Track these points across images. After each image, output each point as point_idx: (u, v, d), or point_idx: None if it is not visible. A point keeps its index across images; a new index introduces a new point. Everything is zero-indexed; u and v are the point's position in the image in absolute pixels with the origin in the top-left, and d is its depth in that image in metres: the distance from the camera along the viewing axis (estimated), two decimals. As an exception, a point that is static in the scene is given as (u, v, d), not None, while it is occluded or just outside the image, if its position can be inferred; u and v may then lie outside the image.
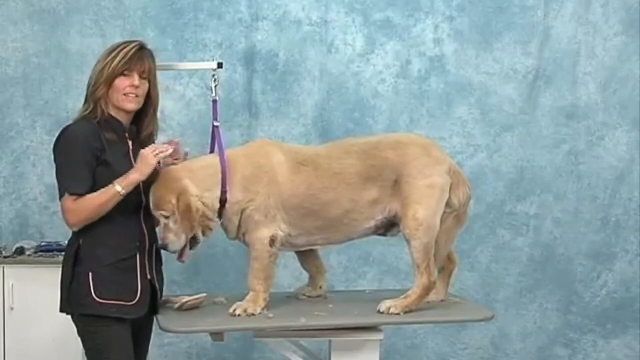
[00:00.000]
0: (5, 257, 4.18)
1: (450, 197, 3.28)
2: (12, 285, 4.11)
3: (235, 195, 3.19)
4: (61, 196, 3.04)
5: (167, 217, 3.11)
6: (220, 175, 3.18)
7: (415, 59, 4.70)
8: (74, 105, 4.54)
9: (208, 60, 4.27)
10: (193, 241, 3.21)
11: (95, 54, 4.48)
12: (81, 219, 3.02)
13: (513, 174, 4.75)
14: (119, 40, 4.44)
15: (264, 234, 3.19)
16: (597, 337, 4.81)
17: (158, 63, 3.93)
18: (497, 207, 4.74)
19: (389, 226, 3.32)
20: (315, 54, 4.65)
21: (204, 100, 4.48)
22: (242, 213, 3.21)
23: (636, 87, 4.76)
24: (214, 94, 3.36)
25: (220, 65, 3.44)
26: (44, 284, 4.03)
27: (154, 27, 4.55)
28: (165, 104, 4.42)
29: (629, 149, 4.78)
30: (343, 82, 4.67)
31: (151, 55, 3.18)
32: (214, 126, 3.33)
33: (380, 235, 3.37)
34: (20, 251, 4.22)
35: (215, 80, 3.38)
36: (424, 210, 3.19)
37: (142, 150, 3.05)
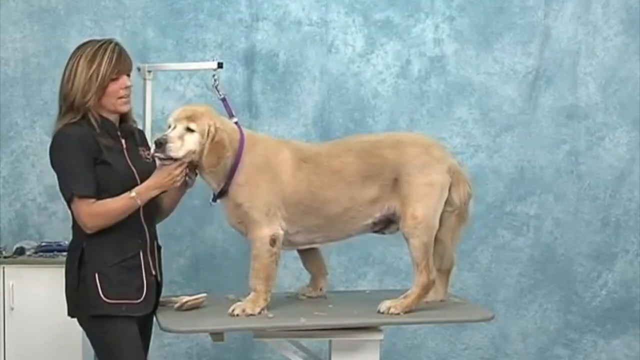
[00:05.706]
0: (5, 257, 4.17)
1: (451, 196, 3.27)
2: (12, 285, 4.09)
3: (239, 177, 3.16)
4: (68, 200, 3.03)
5: (191, 131, 3.08)
6: (237, 144, 3.16)
7: (415, 59, 4.70)
8: (73, 105, 4.55)
9: (208, 60, 4.27)
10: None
11: (95, 54, 4.52)
12: (99, 224, 3.02)
13: (513, 174, 4.75)
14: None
15: (265, 232, 3.18)
16: (597, 337, 4.81)
17: (158, 63, 3.92)
18: (497, 207, 4.74)
19: (387, 223, 3.31)
20: (315, 54, 4.64)
21: (204, 100, 4.45)
22: (239, 207, 3.18)
23: (636, 87, 4.76)
24: (219, 93, 3.35)
25: (220, 65, 3.44)
26: (44, 284, 4.02)
27: (154, 27, 4.54)
28: (165, 104, 4.42)
29: (629, 149, 4.77)
30: (343, 82, 4.67)
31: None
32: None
33: (378, 232, 3.37)
34: (20, 251, 4.21)
35: (215, 80, 3.37)
36: (423, 208, 3.19)
37: (168, 167, 3.03)
